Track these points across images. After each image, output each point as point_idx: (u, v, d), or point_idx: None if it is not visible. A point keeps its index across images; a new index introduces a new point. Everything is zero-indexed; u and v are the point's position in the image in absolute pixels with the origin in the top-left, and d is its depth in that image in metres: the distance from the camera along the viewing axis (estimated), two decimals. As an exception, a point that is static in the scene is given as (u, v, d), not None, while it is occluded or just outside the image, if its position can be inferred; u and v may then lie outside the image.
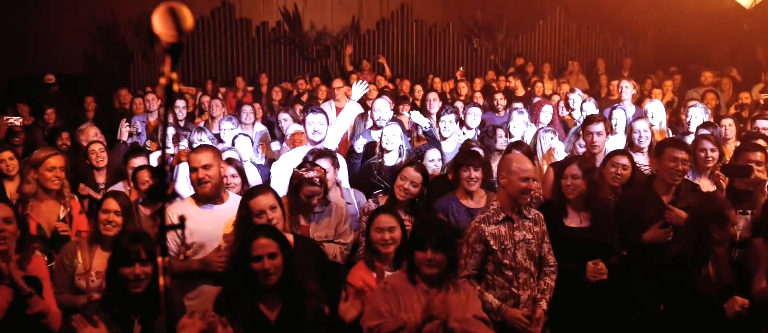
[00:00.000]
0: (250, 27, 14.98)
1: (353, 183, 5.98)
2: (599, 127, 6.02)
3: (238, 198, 4.53)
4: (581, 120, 7.76)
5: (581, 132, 6.34)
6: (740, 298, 4.02)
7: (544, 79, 13.16)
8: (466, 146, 6.19)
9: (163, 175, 1.59)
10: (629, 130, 6.39)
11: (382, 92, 9.74)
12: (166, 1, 1.38)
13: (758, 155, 4.90)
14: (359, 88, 7.04)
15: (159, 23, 1.37)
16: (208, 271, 4.11)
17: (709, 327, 4.06)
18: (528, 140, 6.95)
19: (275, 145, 7.95)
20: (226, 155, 5.32)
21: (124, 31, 14.40)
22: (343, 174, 5.83)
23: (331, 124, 6.59)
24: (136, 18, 14.30)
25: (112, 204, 4.28)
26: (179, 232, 4.12)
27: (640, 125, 6.29)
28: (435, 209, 5.10)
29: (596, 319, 4.52)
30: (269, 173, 6.40)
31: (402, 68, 15.37)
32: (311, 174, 4.56)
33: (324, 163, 5.01)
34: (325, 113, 6.59)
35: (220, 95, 11.71)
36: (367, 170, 6.16)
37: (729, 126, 6.95)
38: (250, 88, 13.14)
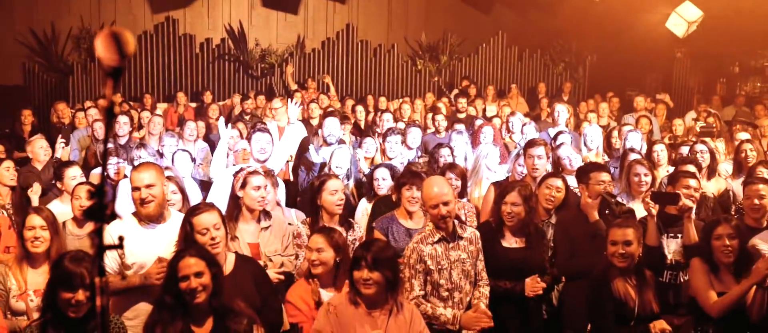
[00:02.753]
0: (194, 43, 14.87)
1: (297, 201, 6.01)
2: (540, 150, 6.15)
3: (181, 216, 4.51)
4: (521, 143, 7.95)
5: (523, 154, 6.47)
6: (663, 323, 4.18)
7: (486, 102, 13.41)
8: (408, 166, 6.26)
9: (102, 194, 1.60)
10: (557, 157, 6.59)
11: (328, 112, 9.78)
12: (113, 25, 1.40)
13: (692, 182, 5.11)
14: (294, 109, 7.08)
15: (101, 47, 1.38)
16: (148, 286, 4.05)
17: None
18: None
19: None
20: (166, 172, 5.28)
21: (63, 44, 14.13)
22: (281, 195, 5.85)
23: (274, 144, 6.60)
24: (76, 31, 14.08)
25: (36, 220, 4.20)
26: (119, 251, 4.08)
27: (565, 151, 6.57)
28: (374, 228, 5.14)
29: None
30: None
31: (346, 88, 15.45)
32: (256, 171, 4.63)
33: (263, 181, 5.01)
34: (271, 133, 6.63)
35: (160, 111, 11.60)
36: (310, 190, 6.18)
37: (661, 151, 7.16)
38: (192, 105, 13.03)
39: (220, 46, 15.05)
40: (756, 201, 4.96)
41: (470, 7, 16.63)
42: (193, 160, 7.90)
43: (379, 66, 15.98)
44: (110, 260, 4.11)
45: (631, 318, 4.22)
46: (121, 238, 1.73)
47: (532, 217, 4.84)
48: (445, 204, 4.24)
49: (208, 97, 13.16)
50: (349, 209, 5.72)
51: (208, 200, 5.61)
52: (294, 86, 14.06)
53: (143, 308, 4.04)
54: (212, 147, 8.94)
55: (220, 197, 5.39)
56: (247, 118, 10.85)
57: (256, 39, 15.23)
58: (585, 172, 5.27)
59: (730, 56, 15.58)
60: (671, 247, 5.01)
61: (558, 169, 6.45)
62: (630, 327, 4.21)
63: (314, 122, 9.85)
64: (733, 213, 5.46)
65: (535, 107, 13.94)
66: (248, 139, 6.89)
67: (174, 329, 3.36)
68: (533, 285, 4.59)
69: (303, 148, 7.46)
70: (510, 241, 4.76)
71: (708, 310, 4.34)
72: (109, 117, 1.40)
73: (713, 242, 4.41)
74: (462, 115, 10.78)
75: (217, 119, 9.36)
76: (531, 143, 6.36)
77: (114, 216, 4.43)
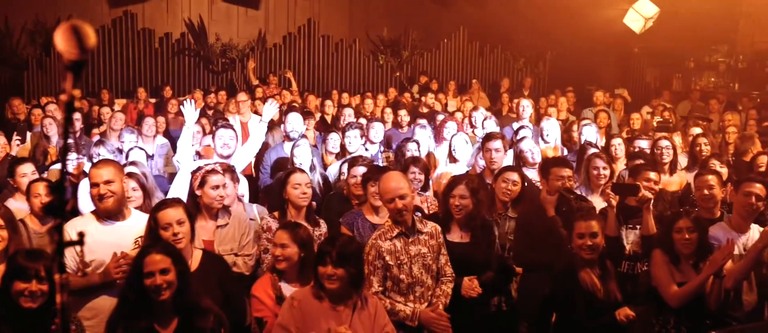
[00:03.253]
0: (153, 38, 14.67)
1: (263, 197, 5.99)
2: (497, 144, 6.24)
3: (141, 213, 4.49)
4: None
5: (481, 148, 6.54)
6: (628, 309, 4.26)
7: (448, 97, 13.50)
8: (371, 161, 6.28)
9: (62, 190, 1.58)
10: (520, 150, 6.68)
11: (290, 107, 9.74)
12: (70, 19, 1.39)
13: (652, 175, 5.23)
14: (271, 108, 7.05)
15: (61, 41, 1.37)
16: (108, 282, 4.01)
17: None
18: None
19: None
20: (127, 169, 5.22)
21: (18, 38, 13.82)
22: (244, 189, 5.82)
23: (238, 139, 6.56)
24: (30, 25, 13.79)
25: None
26: (78, 248, 4.02)
27: (527, 145, 6.68)
28: (340, 224, 5.16)
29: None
30: (168, 186, 6.33)
31: (308, 83, 15.40)
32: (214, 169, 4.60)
33: (222, 179, 4.98)
34: (234, 129, 6.59)
35: (119, 106, 11.43)
36: (278, 183, 6.18)
37: (619, 145, 7.28)
38: (152, 100, 12.86)
39: (179, 41, 14.86)
40: (706, 191, 5.10)
41: (431, 2, 16.69)
42: (151, 156, 7.84)
43: (341, 61, 15.96)
44: (69, 259, 4.06)
45: (598, 308, 4.30)
46: (81, 235, 1.72)
47: (479, 210, 4.87)
48: (402, 198, 4.24)
49: (168, 92, 12.99)
50: (317, 202, 5.71)
51: (170, 195, 5.58)
52: (255, 82, 13.97)
53: (102, 305, 4.01)
54: (172, 142, 8.86)
55: (181, 191, 5.35)
56: (209, 112, 10.77)
57: (216, 34, 15.07)
58: (546, 167, 5.34)
59: (686, 52, 15.92)
60: (630, 238, 5.14)
61: (520, 162, 6.53)
62: (598, 317, 4.29)
63: (275, 118, 9.80)
64: (691, 206, 5.58)
65: (496, 102, 14.07)
66: (212, 134, 6.85)
67: (137, 327, 3.33)
68: (470, 286, 4.58)
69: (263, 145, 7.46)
70: (455, 236, 4.79)
71: (669, 300, 4.46)
72: (69, 112, 1.38)
73: (674, 235, 4.52)
74: (425, 110, 10.84)
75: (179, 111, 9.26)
76: (489, 137, 6.44)
77: (75, 212, 4.37)
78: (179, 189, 5.59)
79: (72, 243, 1.64)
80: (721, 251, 4.35)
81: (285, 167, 6.53)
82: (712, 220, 5.02)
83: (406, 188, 4.30)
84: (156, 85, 14.15)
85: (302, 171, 5.24)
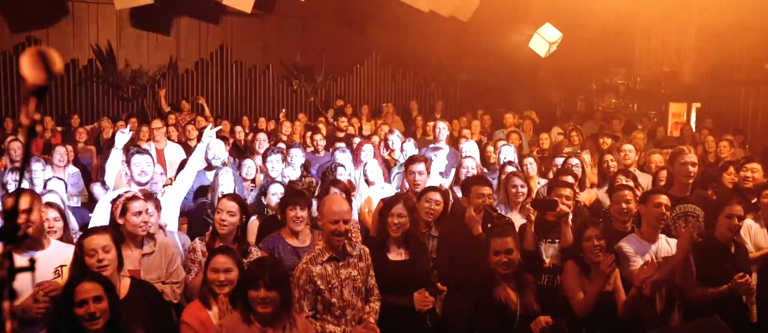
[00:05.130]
0: (59, 64, 14.19)
1: (186, 221, 5.93)
2: (420, 166, 6.39)
3: (60, 243, 4.36)
4: (401, 159, 8.18)
5: (405, 171, 6.66)
6: (543, 318, 4.43)
7: (362, 121, 13.65)
8: (291, 186, 6.31)
9: (15, 214, 1.57)
10: (457, 168, 6.85)
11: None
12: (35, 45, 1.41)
13: (567, 191, 5.48)
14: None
15: (27, 66, 1.38)
16: (26, 318, 3.86)
17: None
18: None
19: (97, 188, 7.63)
20: (46, 198, 5.06)
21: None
22: (167, 218, 5.74)
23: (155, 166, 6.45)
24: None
25: None
26: None
27: (469, 163, 6.82)
28: (260, 248, 5.14)
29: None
30: (87, 216, 6.16)
31: (221, 109, 15.25)
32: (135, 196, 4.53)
33: (148, 205, 4.91)
34: (151, 154, 6.46)
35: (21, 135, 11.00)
36: (200, 209, 6.11)
37: (530, 164, 7.57)
38: (59, 129, 12.44)
39: (87, 67, 14.47)
40: (623, 205, 5.37)
41: (344, 28, 16.87)
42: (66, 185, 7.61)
43: (255, 86, 15.91)
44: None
45: (513, 320, 4.44)
46: (32, 260, 1.69)
47: (415, 228, 5.01)
48: (345, 221, 4.34)
49: (75, 120, 12.60)
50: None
51: (91, 224, 5.44)
52: (167, 108, 13.73)
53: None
54: (83, 171, 8.60)
55: (103, 220, 5.22)
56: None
57: (126, 60, 14.77)
58: (467, 186, 5.51)
59: (588, 75, 16.63)
60: (549, 252, 5.35)
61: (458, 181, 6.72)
62: (513, 329, 4.43)
63: (192, 144, 9.68)
64: (605, 219, 5.86)
65: (410, 125, 14.31)
66: (127, 162, 6.69)
67: None
68: (422, 299, 4.72)
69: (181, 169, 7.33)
70: (395, 254, 4.90)
71: (575, 309, 4.67)
72: (31, 136, 1.39)
73: (583, 244, 4.74)
74: (341, 134, 10.92)
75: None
76: (412, 160, 6.59)
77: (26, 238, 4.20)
78: (100, 218, 5.45)
79: (23, 269, 1.62)
80: (605, 263, 4.51)
81: (206, 194, 6.50)
82: (625, 233, 5.28)
83: (349, 212, 4.41)
84: (62, 113, 13.69)
85: (230, 198, 5.18)
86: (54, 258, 4.12)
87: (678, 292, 5.03)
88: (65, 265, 4.08)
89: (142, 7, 13.26)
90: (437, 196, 5.53)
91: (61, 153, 8.35)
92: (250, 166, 7.46)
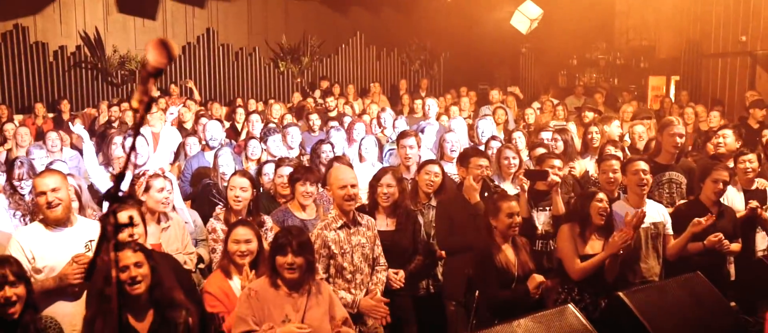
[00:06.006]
0: (48, 51, 14.34)
1: (193, 202, 6.18)
2: (411, 141, 6.70)
3: (86, 219, 4.63)
4: (393, 137, 8.47)
5: (396, 146, 6.96)
6: (538, 276, 4.77)
7: (349, 100, 13.90)
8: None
9: (122, 180, 1.84)
10: (441, 142, 7.14)
11: (199, 116, 9.86)
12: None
13: (556, 162, 5.82)
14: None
15: (153, 53, 1.69)
16: (64, 287, 4.14)
17: (514, 304, 4.68)
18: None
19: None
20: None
21: None
22: (176, 195, 6.01)
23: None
24: None
25: None
26: (28, 256, 4.14)
27: (451, 137, 7.08)
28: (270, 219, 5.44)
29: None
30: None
31: (210, 92, 15.44)
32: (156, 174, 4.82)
33: (164, 182, 5.18)
34: (146, 138, 6.72)
35: (17, 122, 11.15)
36: (205, 190, 6.37)
37: (519, 138, 7.89)
38: (50, 115, 12.59)
39: (75, 53, 14.59)
40: (610, 174, 5.72)
41: (328, 9, 17.08)
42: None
43: (242, 69, 16.08)
44: (24, 262, 4.16)
45: (512, 281, 4.78)
46: (131, 217, 1.96)
47: (403, 199, 5.32)
48: (352, 186, 4.68)
49: (65, 106, 12.76)
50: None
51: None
52: (156, 92, 13.88)
53: (59, 310, 4.13)
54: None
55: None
56: (115, 125, 10.69)
57: (113, 45, 14.88)
58: (466, 157, 5.82)
59: (569, 50, 16.94)
60: (541, 219, 5.71)
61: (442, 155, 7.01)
62: (513, 288, 4.77)
63: (188, 126, 9.92)
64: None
65: (397, 103, 14.57)
66: (123, 145, 6.94)
67: (112, 323, 3.49)
68: (394, 279, 4.99)
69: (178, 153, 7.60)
70: (382, 224, 5.19)
71: (571, 274, 4.98)
72: (147, 110, 1.70)
73: (593, 202, 5.00)
74: (333, 114, 11.19)
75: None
76: (403, 135, 6.90)
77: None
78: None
79: (125, 225, 1.90)
80: (620, 235, 4.84)
81: (207, 175, 6.76)
82: (612, 200, 5.61)
83: (355, 178, 4.74)
84: (52, 100, 13.84)
85: (242, 175, 5.46)
86: (83, 233, 4.38)
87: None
88: (93, 240, 4.35)
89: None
90: (436, 169, 5.83)
91: (52, 138, 8.51)
92: (254, 147, 7.68)
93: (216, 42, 15.83)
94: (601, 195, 5.08)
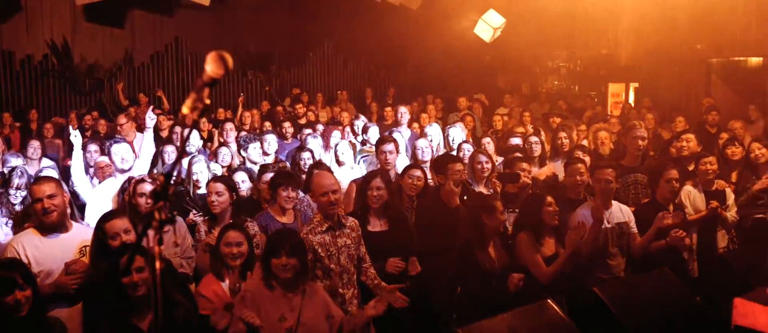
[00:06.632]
0: (14, 59, 14.26)
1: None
2: (390, 146, 6.92)
3: (79, 224, 4.75)
4: (366, 143, 8.68)
5: (376, 151, 7.17)
6: (516, 274, 5.03)
7: (318, 108, 14.09)
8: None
9: (170, 179, 2.03)
10: (413, 148, 7.38)
11: (173, 125, 9.97)
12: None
13: (525, 165, 6.10)
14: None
15: (212, 64, 1.90)
16: (60, 293, 4.25)
17: (495, 299, 4.89)
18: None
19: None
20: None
21: None
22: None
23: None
24: None
25: None
26: (26, 258, 4.26)
27: (422, 143, 7.33)
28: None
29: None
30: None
31: (179, 101, 15.46)
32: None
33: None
34: (129, 143, 6.81)
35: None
36: (179, 197, 6.49)
37: (488, 144, 8.16)
38: (17, 124, 12.52)
39: (43, 62, 14.54)
40: (577, 177, 6.01)
41: (296, 18, 17.22)
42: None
43: (210, 77, 16.05)
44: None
45: (493, 278, 5.03)
46: (173, 214, 2.14)
47: (392, 200, 5.54)
48: (334, 192, 4.85)
49: (33, 115, 12.72)
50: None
51: (87, 215, 5.81)
52: (125, 102, 13.91)
53: (58, 314, 4.24)
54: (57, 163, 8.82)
55: (96, 211, 5.56)
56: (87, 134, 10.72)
57: (81, 54, 14.86)
58: (443, 164, 6.05)
59: (531, 58, 17.32)
60: (510, 220, 5.95)
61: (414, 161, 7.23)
62: (492, 286, 5.02)
63: (163, 134, 10.02)
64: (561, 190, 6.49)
65: (365, 111, 14.77)
66: (107, 152, 7.01)
67: (115, 323, 3.65)
68: (394, 264, 5.26)
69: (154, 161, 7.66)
70: (375, 226, 5.41)
71: (542, 280, 5.17)
72: (201, 117, 1.92)
73: (544, 208, 5.28)
74: (303, 121, 11.37)
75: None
76: (382, 140, 7.12)
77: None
78: (93, 212, 5.79)
79: (167, 221, 2.07)
80: (575, 231, 5.13)
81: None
82: (578, 201, 5.93)
83: (336, 184, 4.91)
84: (19, 108, 13.76)
85: (220, 181, 5.61)
86: (77, 238, 4.51)
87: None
88: (87, 245, 4.48)
89: (97, 1, 13.40)
90: (419, 173, 6.06)
91: (34, 146, 8.56)
92: (225, 154, 7.84)
93: (184, 51, 15.86)
94: (549, 198, 5.33)
